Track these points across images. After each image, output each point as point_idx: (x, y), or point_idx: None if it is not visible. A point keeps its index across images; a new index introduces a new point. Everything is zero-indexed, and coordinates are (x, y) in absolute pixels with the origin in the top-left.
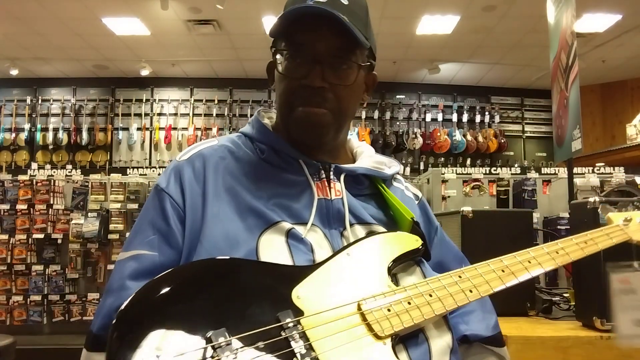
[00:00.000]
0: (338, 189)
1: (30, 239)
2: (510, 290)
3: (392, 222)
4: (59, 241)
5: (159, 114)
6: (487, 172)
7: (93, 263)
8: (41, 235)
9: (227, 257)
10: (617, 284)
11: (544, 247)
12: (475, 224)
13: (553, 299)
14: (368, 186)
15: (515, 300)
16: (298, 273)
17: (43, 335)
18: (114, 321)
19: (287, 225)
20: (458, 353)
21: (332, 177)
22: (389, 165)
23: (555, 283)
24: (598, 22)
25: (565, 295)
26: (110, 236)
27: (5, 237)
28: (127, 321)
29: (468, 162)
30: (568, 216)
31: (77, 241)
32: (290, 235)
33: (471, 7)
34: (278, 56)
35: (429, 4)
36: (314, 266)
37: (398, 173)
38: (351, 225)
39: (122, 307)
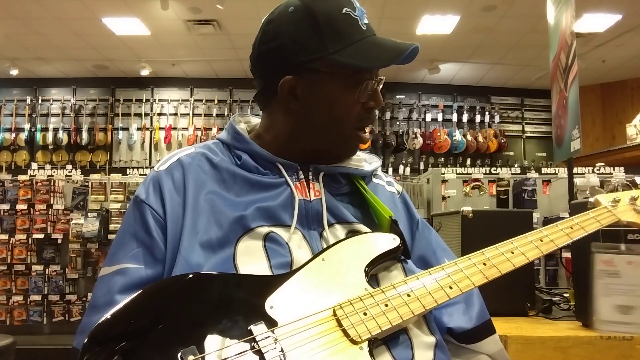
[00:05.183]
0: (317, 189)
1: (30, 239)
2: (510, 290)
3: (372, 220)
4: (59, 241)
5: (159, 114)
6: (487, 172)
7: (93, 263)
8: (41, 235)
9: (199, 273)
10: (601, 265)
11: (527, 236)
12: (475, 224)
13: (553, 299)
14: (346, 184)
15: (515, 300)
16: (272, 283)
17: (43, 335)
18: (84, 341)
19: (264, 229)
20: (444, 347)
21: (310, 177)
22: (370, 162)
23: (555, 283)
24: (598, 22)
25: (565, 295)
26: (110, 236)
27: (5, 237)
28: (96, 345)
29: (468, 162)
30: (568, 216)
31: (77, 241)
32: (268, 239)
33: (471, 7)
34: (335, 79)
35: (429, 4)
36: (288, 274)
37: (378, 169)
38: (331, 225)
39: (91, 331)
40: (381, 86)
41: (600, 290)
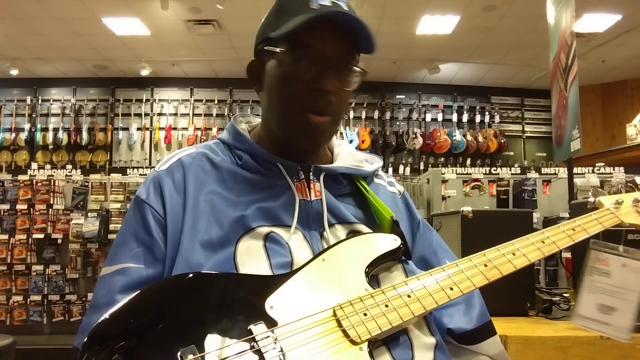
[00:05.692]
0: (318, 190)
1: (30, 239)
2: (511, 291)
3: (373, 220)
4: (59, 241)
5: (159, 114)
6: (487, 172)
7: (93, 263)
8: (41, 235)
9: (199, 272)
10: (595, 262)
11: (529, 237)
12: (475, 224)
13: (553, 299)
14: (347, 185)
15: (515, 300)
16: (272, 283)
17: (43, 335)
18: (84, 340)
19: (264, 229)
20: (444, 348)
21: (311, 177)
22: (371, 162)
23: (555, 283)
24: (598, 22)
25: (565, 295)
26: (110, 236)
27: (5, 237)
28: (96, 344)
29: (468, 162)
30: (568, 216)
31: (77, 241)
32: (268, 239)
33: (471, 7)
34: (277, 57)
35: (429, 4)
36: (288, 274)
37: (380, 169)
38: (332, 225)
39: (91, 330)
40: (337, 68)
41: (587, 286)
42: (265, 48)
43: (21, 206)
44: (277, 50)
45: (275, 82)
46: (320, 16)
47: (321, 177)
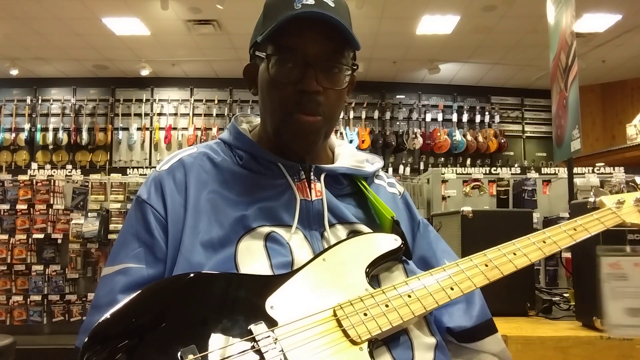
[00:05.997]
0: (318, 190)
1: (30, 239)
2: (511, 290)
3: (374, 220)
4: (59, 241)
5: (159, 114)
6: (487, 172)
7: (93, 263)
8: (41, 235)
9: (200, 272)
10: (608, 269)
11: (530, 237)
12: (475, 224)
13: (553, 299)
14: (348, 185)
15: (515, 300)
16: (272, 282)
17: (43, 335)
18: (85, 341)
19: (265, 229)
20: (444, 348)
21: (312, 177)
22: (372, 162)
23: (555, 283)
24: (598, 22)
25: (565, 295)
26: (110, 236)
27: (5, 237)
28: (96, 344)
29: (468, 162)
30: (568, 216)
31: (77, 241)
32: (269, 238)
33: (471, 7)
34: (265, 61)
35: (429, 4)
36: (288, 274)
37: (380, 169)
38: (332, 225)
39: (91, 330)
40: (321, 67)
41: (609, 294)
42: (255, 52)
43: (21, 206)
44: (263, 54)
45: (265, 85)
46: (296, 16)
47: (322, 177)
